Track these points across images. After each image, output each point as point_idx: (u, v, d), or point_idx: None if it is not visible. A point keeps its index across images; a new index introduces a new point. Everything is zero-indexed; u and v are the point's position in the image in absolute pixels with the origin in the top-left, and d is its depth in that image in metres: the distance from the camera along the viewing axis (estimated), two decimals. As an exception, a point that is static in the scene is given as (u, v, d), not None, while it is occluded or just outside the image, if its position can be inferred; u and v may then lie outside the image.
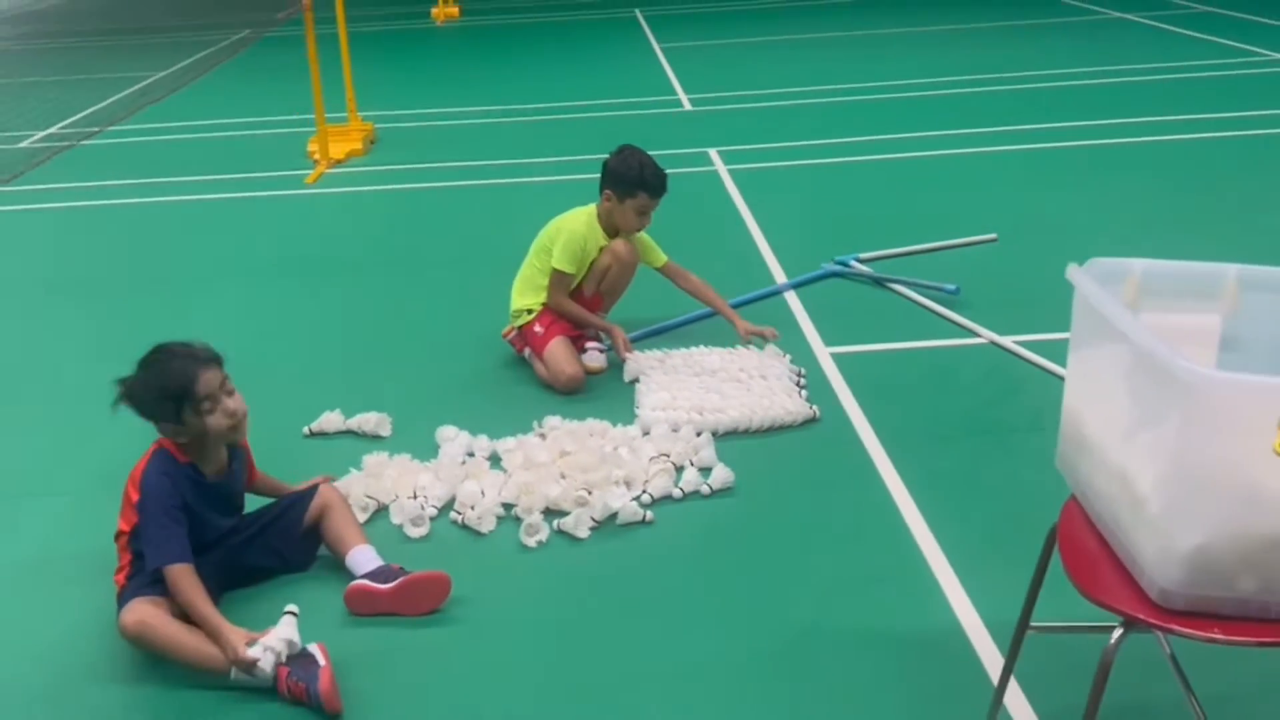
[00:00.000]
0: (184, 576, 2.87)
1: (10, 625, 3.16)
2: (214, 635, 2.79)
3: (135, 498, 2.99)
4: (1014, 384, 4.25)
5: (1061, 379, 4.15)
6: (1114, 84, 9.55)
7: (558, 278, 4.49)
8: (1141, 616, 1.92)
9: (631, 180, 4.40)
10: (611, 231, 4.57)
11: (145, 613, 2.82)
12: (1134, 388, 2.01)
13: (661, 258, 4.71)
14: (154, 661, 2.89)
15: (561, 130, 8.99)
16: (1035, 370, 4.31)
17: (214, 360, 3.04)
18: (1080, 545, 2.19)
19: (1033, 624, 2.44)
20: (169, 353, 3.02)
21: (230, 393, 3.06)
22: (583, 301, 4.58)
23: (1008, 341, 4.51)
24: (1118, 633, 1.95)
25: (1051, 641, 2.64)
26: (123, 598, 2.97)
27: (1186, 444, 1.82)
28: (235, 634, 2.76)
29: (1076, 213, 6.25)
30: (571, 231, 4.50)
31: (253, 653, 2.71)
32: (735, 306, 4.98)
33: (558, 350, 4.38)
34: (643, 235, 4.67)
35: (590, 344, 4.61)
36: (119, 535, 3.09)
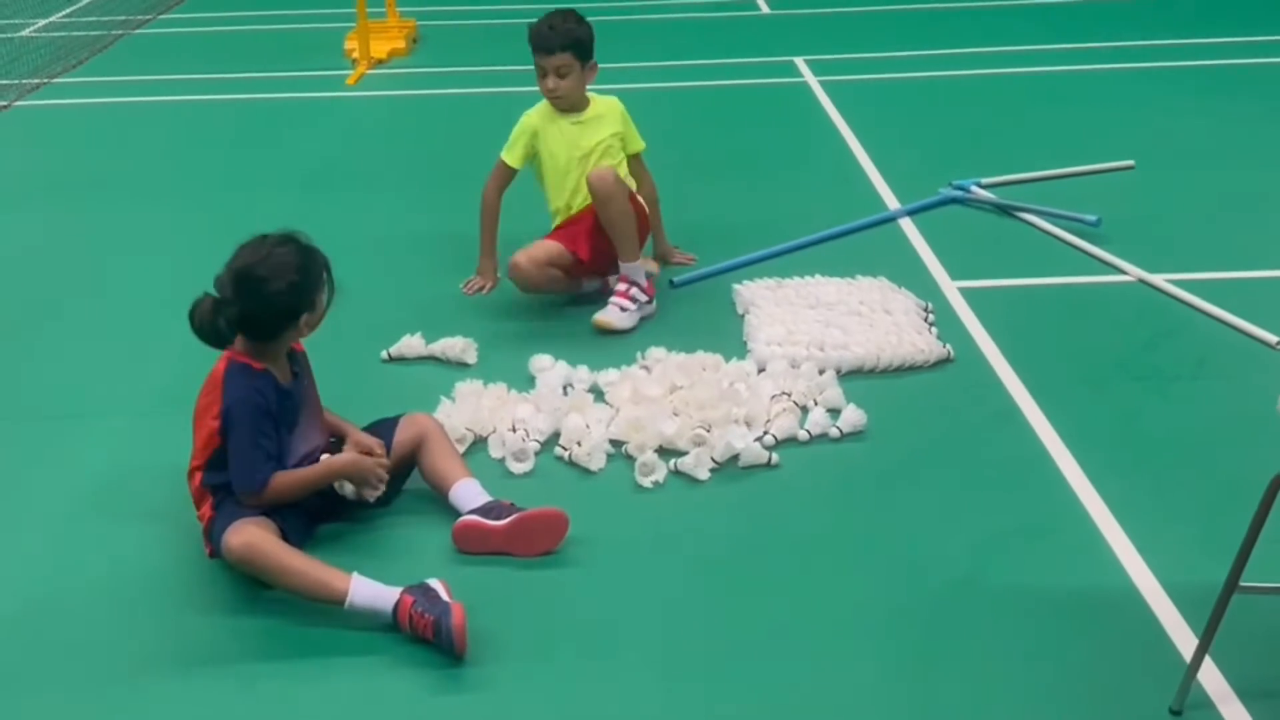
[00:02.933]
0: (282, 477, 3.03)
1: (89, 550, 3.23)
2: (335, 473, 3.13)
3: (215, 425, 3.03)
4: (1169, 326, 4.25)
5: (1222, 323, 4.19)
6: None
7: (497, 165, 4.55)
8: None
9: (533, 25, 4.49)
10: (562, 110, 4.54)
11: (253, 534, 2.87)
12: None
13: (637, 145, 4.66)
14: (244, 592, 2.97)
15: (619, 32, 8.86)
16: (1190, 312, 4.31)
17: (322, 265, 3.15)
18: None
19: (1243, 584, 2.43)
20: (297, 249, 3.06)
21: (317, 307, 3.16)
22: (592, 239, 4.41)
23: (1158, 280, 4.51)
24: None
25: (1247, 606, 2.65)
26: (214, 528, 3.01)
27: None
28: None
29: (1219, 138, 6.20)
30: (522, 118, 4.57)
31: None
32: (845, 234, 5.01)
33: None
34: (618, 110, 4.64)
35: (622, 296, 4.38)
36: (192, 473, 3.12)
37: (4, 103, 7.25)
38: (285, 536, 2.95)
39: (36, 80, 7.75)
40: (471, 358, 4.15)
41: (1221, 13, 8.96)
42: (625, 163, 4.57)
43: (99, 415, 3.92)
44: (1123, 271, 4.63)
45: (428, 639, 2.71)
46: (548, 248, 4.38)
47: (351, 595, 2.79)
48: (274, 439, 3.05)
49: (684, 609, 2.93)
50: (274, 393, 3.07)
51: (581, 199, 4.45)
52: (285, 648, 2.82)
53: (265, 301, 3.00)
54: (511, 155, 4.48)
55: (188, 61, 8.30)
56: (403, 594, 2.77)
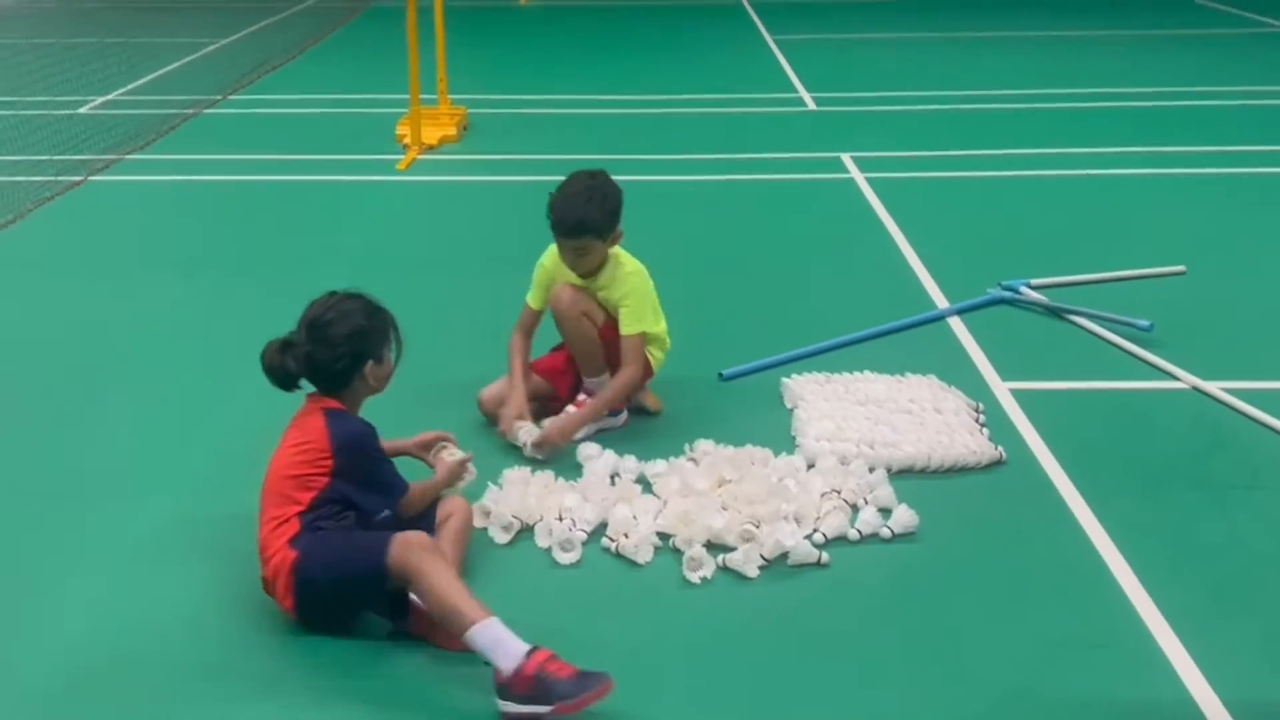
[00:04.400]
0: (414, 488, 3.36)
1: (158, 601, 3.28)
2: (442, 486, 3.48)
3: (328, 460, 3.17)
4: (1223, 435, 4.21)
5: (1277, 433, 4.14)
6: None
7: (523, 310, 4.41)
8: None
9: (551, 199, 4.17)
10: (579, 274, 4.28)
11: (427, 539, 3.05)
12: None
13: (629, 328, 4.20)
14: (308, 638, 3.08)
15: (667, 125, 9.02)
16: (1244, 421, 4.27)
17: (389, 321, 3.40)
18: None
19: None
20: (365, 301, 3.34)
21: (384, 361, 3.39)
22: (560, 363, 4.41)
23: (1212, 387, 4.47)
24: None
25: None
26: (303, 566, 3.07)
27: None
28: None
29: (1273, 245, 6.19)
30: (541, 258, 4.40)
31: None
32: (894, 332, 5.01)
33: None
34: (632, 280, 4.26)
35: (573, 406, 4.29)
36: (280, 522, 3.16)
37: (78, 178, 7.37)
38: None
39: (111, 156, 7.93)
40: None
41: (1274, 121, 8.96)
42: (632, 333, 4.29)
43: (148, 483, 3.95)
44: (1176, 378, 4.59)
45: (558, 679, 2.71)
46: (535, 386, 4.34)
47: (483, 626, 2.80)
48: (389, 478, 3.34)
49: (732, 713, 2.88)
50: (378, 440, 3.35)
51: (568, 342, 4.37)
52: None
53: (330, 344, 3.22)
54: (534, 299, 4.39)
55: (251, 142, 8.48)
56: (537, 648, 2.77)
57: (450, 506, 3.45)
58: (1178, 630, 3.14)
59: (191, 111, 9.25)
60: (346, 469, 3.19)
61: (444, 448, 3.59)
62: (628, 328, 4.19)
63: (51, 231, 6.57)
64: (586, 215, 4.08)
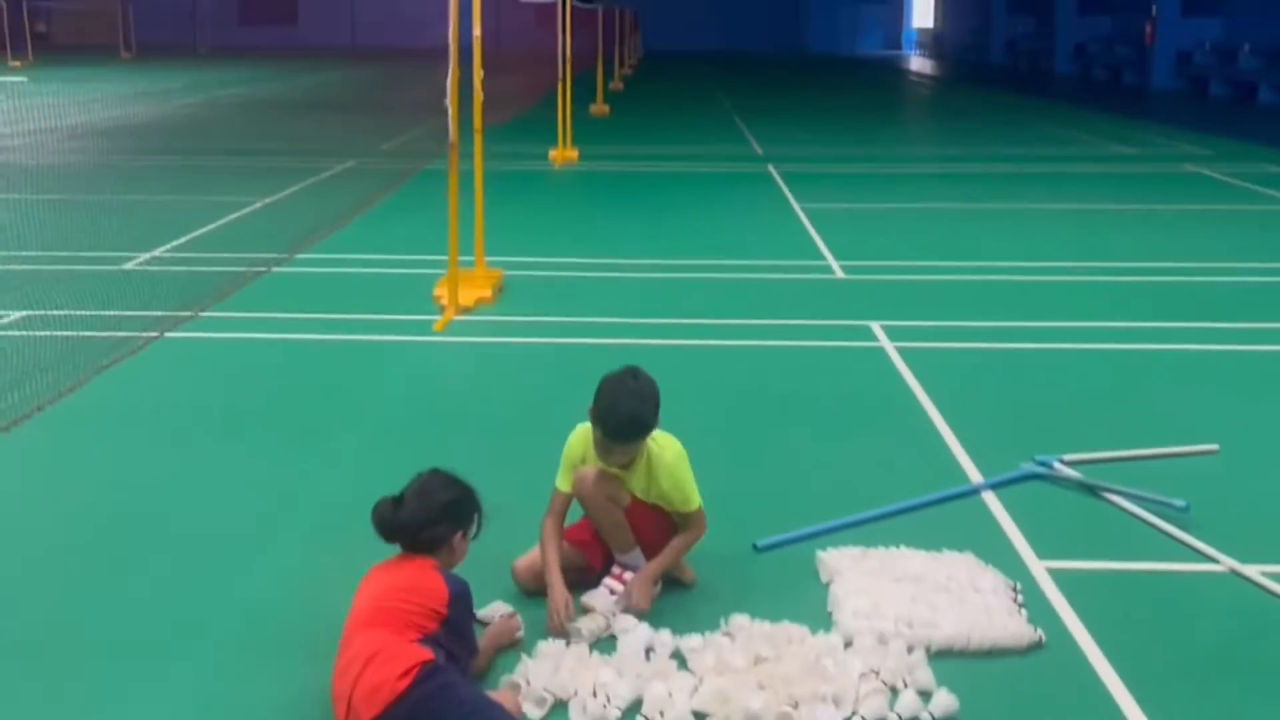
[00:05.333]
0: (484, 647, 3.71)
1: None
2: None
3: (444, 608, 3.43)
4: (1263, 621, 4.13)
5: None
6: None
7: (553, 494, 4.33)
8: None
9: (599, 408, 4.09)
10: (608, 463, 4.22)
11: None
12: None
13: (688, 506, 4.23)
14: None
15: (696, 291, 9.09)
16: (1283, 606, 4.21)
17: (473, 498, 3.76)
18: None
19: None
20: (462, 481, 3.71)
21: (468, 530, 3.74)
22: (590, 535, 4.36)
23: (1251, 571, 4.41)
24: None
25: None
26: (440, 673, 3.23)
27: None
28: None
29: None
30: (570, 440, 4.35)
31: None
32: (928, 505, 4.98)
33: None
34: (674, 470, 4.21)
35: (610, 579, 4.23)
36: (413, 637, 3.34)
37: (153, 333, 7.49)
38: None
39: (163, 313, 8.01)
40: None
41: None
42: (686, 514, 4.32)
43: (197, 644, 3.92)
44: (1215, 560, 4.53)
45: None
46: (570, 558, 4.27)
47: None
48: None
49: None
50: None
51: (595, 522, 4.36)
52: None
53: (430, 512, 3.57)
54: (563, 483, 4.32)
55: (297, 302, 8.55)
56: None
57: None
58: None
59: (242, 270, 9.41)
60: (455, 621, 3.45)
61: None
62: (686, 507, 4.24)
63: (120, 391, 6.65)
64: (641, 418, 4.09)
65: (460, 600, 3.52)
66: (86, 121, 21.37)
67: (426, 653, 3.26)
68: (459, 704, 3.22)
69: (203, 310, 8.17)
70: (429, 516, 3.57)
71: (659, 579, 4.24)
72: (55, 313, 7.99)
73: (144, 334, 7.46)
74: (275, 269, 9.56)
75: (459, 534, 3.67)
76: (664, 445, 4.24)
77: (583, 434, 4.30)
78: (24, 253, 9.96)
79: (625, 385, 4.12)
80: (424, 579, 3.49)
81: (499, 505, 4.00)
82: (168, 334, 7.55)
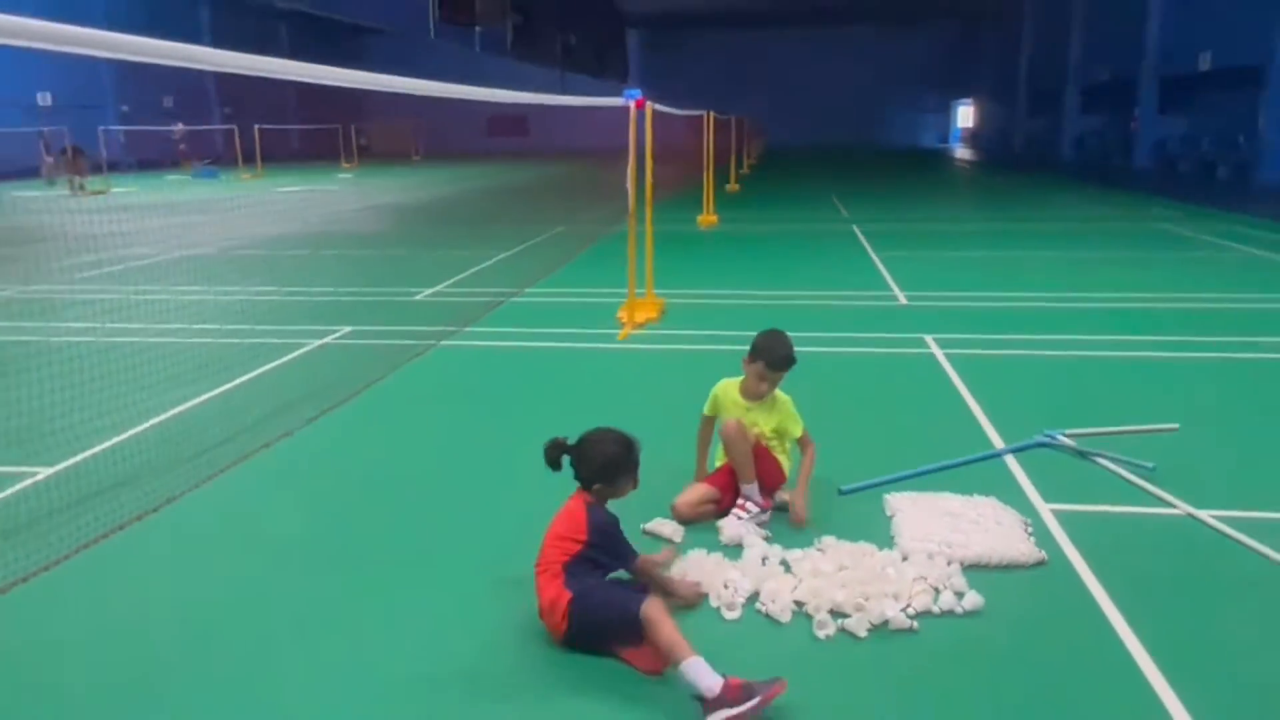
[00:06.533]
0: (644, 560, 3.50)
1: (462, 641, 3.35)
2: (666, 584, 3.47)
3: (584, 535, 3.34)
4: (1211, 550, 3.98)
5: (1247, 551, 3.89)
6: (1267, 309, 8.99)
7: (701, 420, 4.52)
8: None
9: (758, 348, 4.29)
10: (749, 396, 4.39)
11: (661, 607, 3.10)
12: None
13: (797, 431, 4.42)
14: (570, 655, 3.11)
15: (800, 313, 9.03)
16: (1226, 540, 4.04)
17: (636, 449, 3.53)
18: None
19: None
20: (618, 436, 3.49)
21: (633, 476, 3.53)
22: (724, 477, 4.37)
23: (1204, 515, 4.24)
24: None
25: None
26: (580, 609, 3.20)
27: None
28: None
29: (1247, 412, 5.84)
30: (714, 390, 4.49)
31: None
32: (964, 465, 4.91)
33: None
34: (788, 407, 4.42)
35: (736, 509, 4.24)
36: (548, 574, 3.32)
37: (432, 341, 7.80)
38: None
39: (450, 327, 8.34)
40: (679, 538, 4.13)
41: (1248, 319, 8.54)
42: (786, 444, 4.46)
43: (468, 546, 4.07)
44: (1174, 506, 4.37)
45: (756, 683, 2.84)
46: (700, 492, 4.34)
47: (693, 661, 2.91)
48: (625, 550, 3.48)
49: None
50: (618, 526, 3.49)
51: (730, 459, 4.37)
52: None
53: (585, 461, 3.44)
54: (708, 409, 4.50)
55: (532, 320, 8.74)
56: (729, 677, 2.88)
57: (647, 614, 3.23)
58: (1187, 706, 2.96)
59: (493, 299, 9.69)
60: (597, 544, 3.36)
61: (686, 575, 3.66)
62: (798, 428, 4.45)
63: (414, 381, 6.87)
64: (792, 353, 4.33)
65: (599, 532, 3.35)
66: (388, 202, 22.25)
67: (561, 590, 3.24)
68: (600, 606, 3.19)
69: (466, 327, 8.43)
70: (582, 465, 3.43)
71: (805, 494, 4.30)
72: (372, 328, 8.38)
73: (427, 343, 7.76)
74: (512, 299, 9.80)
75: (603, 484, 3.44)
76: (781, 395, 4.44)
77: (725, 385, 4.49)
78: (349, 288, 10.46)
79: (779, 336, 4.36)
80: (574, 515, 3.37)
81: (660, 455, 4.11)
82: (443, 343, 7.82)
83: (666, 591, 3.46)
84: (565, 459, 3.48)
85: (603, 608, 3.17)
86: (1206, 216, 16.87)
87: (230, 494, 4.71)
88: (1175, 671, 3.11)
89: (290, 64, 3.92)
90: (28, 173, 31.09)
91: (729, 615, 3.51)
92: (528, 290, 10.31)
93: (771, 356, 4.27)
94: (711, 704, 2.82)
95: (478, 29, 43.59)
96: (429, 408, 6.19)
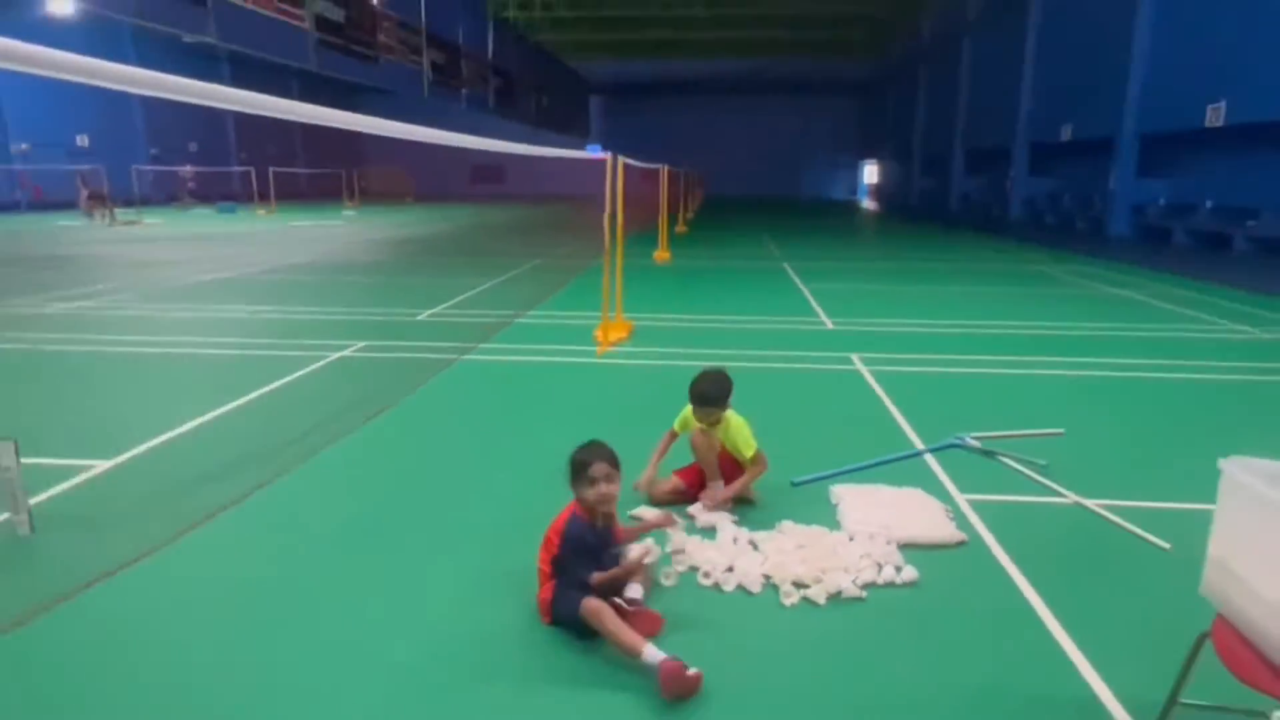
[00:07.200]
0: (597, 578, 3.17)
1: (475, 616, 3.34)
2: (617, 577, 3.17)
3: (557, 541, 3.19)
4: (1095, 531, 4.13)
5: (1124, 532, 4.05)
6: (1127, 338, 9.28)
7: (667, 432, 4.48)
8: (1303, 702, 1.84)
9: (691, 391, 4.26)
10: (701, 421, 4.31)
11: (597, 606, 3.04)
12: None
13: (748, 452, 4.29)
14: (573, 647, 3.06)
15: (745, 335, 9.12)
16: (1107, 524, 4.18)
17: (607, 456, 3.24)
18: (1235, 650, 2.12)
19: (1182, 699, 2.33)
20: (592, 445, 3.28)
21: (610, 480, 3.21)
22: (693, 473, 4.41)
23: (1089, 504, 4.40)
24: (1277, 714, 1.88)
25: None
26: (557, 602, 3.13)
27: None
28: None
29: (1115, 420, 6.03)
30: (682, 411, 4.41)
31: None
32: (892, 462, 4.98)
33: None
34: (741, 429, 4.30)
35: (704, 497, 4.28)
36: (540, 570, 3.25)
37: (453, 356, 7.69)
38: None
39: (461, 344, 8.26)
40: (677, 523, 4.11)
41: (1124, 344, 8.79)
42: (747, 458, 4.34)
43: (471, 536, 4.05)
44: (1064, 495, 4.52)
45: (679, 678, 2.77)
46: (673, 484, 4.40)
47: (645, 654, 2.86)
48: (593, 555, 3.21)
49: (807, 672, 2.91)
50: (588, 531, 3.22)
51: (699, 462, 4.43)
52: (576, 675, 2.88)
53: (571, 463, 3.23)
54: (677, 426, 4.47)
55: (525, 339, 8.67)
56: (665, 659, 2.84)
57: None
58: (1085, 651, 3.07)
59: (498, 321, 9.62)
60: (566, 550, 3.19)
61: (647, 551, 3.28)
62: (749, 450, 4.32)
63: (439, 396, 6.76)
64: (709, 395, 4.24)
65: (569, 540, 3.17)
66: (388, 237, 21.95)
67: (545, 588, 3.20)
68: (563, 605, 3.12)
69: (481, 344, 8.35)
70: (571, 473, 3.24)
71: (731, 497, 4.28)
72: (382, 343, 8.28)
73: (448, 357, 7.69)
74: (517, 320, 9.75)
75: (574, 487, 3.24)
76: (732, 417, 4.37)
77: (687, 409, 4.42)
78: (360, 309, 10.32)
79: (705, 378, 4.28)
80: (558, 522, 3.25)
81: (640, 452, 4.10)
82: (464, 357, 7.75)
83: (626, 579, 3.27)
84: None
85: (564, 605, 3.11)
86: (1070, 259, 17.38)
87: (285, 492, 4.60)
88: (1070, 622, 3.25)
89: (320, 109, 3.83)
90: (65, 206, 30.19)
91: (705, 582, 3.57)
92: (532, 313, 10.21)
93: (692, 394, 4.24)
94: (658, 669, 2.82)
95: (464, 91, 43.39)
96: (452, 414, 6.06)
